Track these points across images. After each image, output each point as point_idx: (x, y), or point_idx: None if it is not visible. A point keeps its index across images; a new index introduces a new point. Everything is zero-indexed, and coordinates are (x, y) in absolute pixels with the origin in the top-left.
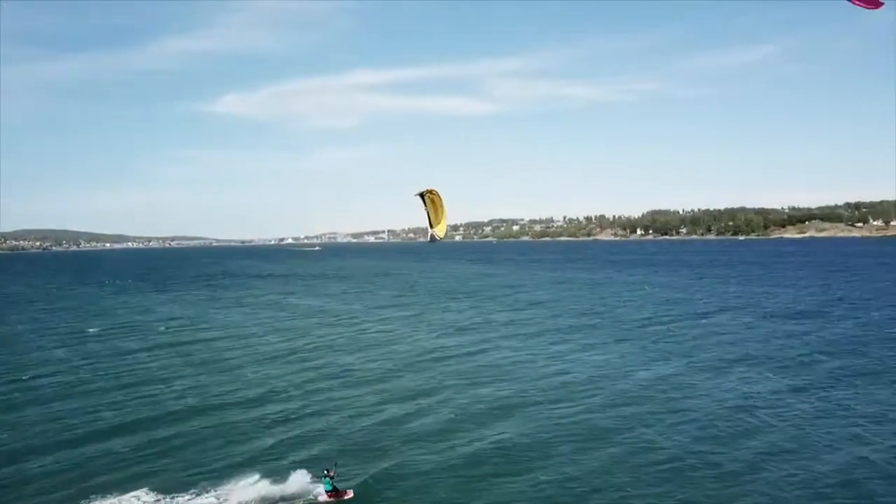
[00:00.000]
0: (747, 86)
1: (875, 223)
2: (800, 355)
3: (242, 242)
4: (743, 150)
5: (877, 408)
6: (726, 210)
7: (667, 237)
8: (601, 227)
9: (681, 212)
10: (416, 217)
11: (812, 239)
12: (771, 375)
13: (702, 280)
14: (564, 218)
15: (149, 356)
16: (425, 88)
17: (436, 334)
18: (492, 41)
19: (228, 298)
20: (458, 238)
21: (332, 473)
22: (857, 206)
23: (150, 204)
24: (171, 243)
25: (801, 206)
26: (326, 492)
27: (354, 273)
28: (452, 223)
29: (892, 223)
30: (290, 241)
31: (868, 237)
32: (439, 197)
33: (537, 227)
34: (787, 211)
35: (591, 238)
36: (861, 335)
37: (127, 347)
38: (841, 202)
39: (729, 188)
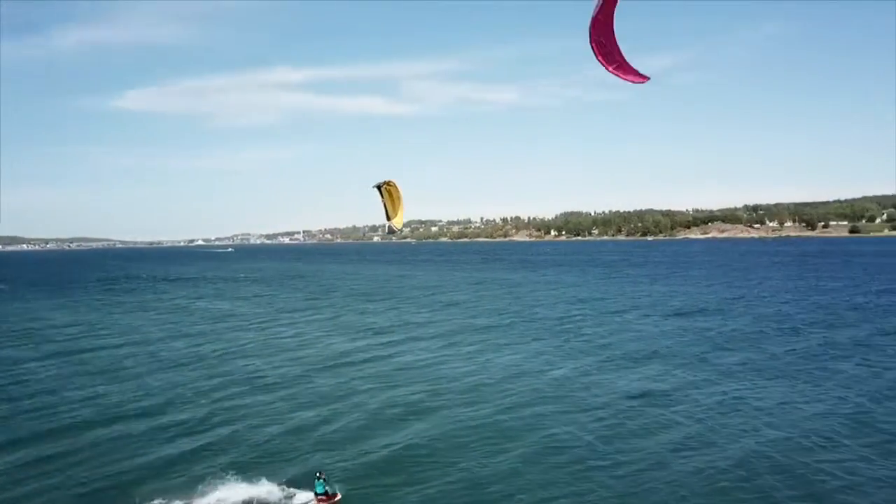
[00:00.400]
0: (655, 92)
1: (771, 224)
2: (703, 352)
3: (150, 244)
4: (650, 153)
5: (772, 401)
6: (635, 212)
7: (579, 238)
8: (517, 228)
9: (592, 213)
10: (332, 217)
11: (714, 239)
12: (677, 372)
13: (613, 279)
14: (482, 219)
15: (41, 366)
16: (343, 88)
17: (351, 337)
18: (410, 42)
19: (132, 303)
20: (376, 239)
21: (324, 476)
22: (755, 208)
23: (48, 204)
24: (72, 245)
25: (704, 208)
26: (317, 495)
27: (268, 275)
28: (371, 224)
29: (786, 224)
30: (200, 242)
31: (765, 238)
32: (396, 188)
33: (455, 229)
34: (691, 213)
35: (507, 239)
36: (758, 331)
37: (16, 357)
38: (740, 204)
39: (638, 191)
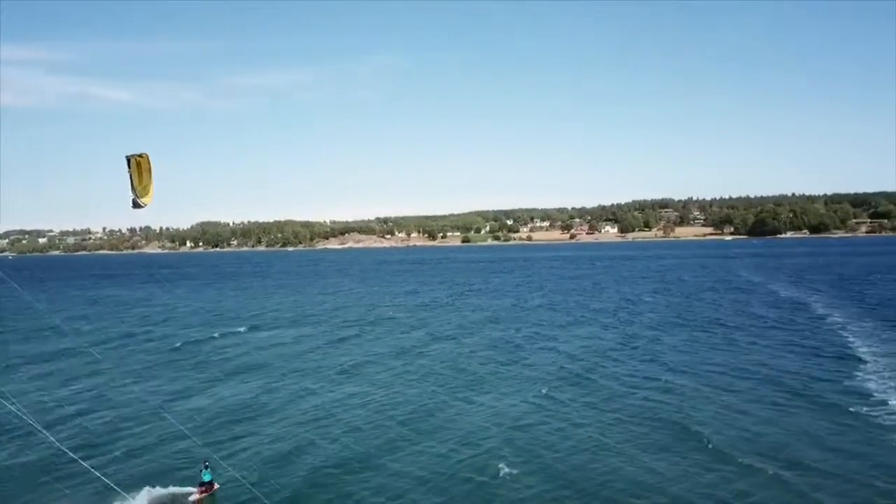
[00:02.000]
0: (280, 105)
1: (400, 235)
2: (303, 359)
3: None
4: (285, 165)
5: (363, 399)
6: (275, 223)
7: (218, 249)
8: (147, 239)
9: (231, 224)
10: None
11: (351, 249)
12: (277, 383)
13: (245, 291)
14: (104, 229)
15: None
16: None
17: None
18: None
19: None
20: None
21: (209, 464)
22: (386, 220)
23: None
24: None
25: (341, 219)
26: (202, 484)
27: None
28: None
29: (412, 235)
30: None
31: (396, 247)
32: (147, 161)
33: (71, 240)
34: (329, 224)
35: (136, 251)
36: (356, 334)
37: None
38: (373, 217)
39: (278, 202)
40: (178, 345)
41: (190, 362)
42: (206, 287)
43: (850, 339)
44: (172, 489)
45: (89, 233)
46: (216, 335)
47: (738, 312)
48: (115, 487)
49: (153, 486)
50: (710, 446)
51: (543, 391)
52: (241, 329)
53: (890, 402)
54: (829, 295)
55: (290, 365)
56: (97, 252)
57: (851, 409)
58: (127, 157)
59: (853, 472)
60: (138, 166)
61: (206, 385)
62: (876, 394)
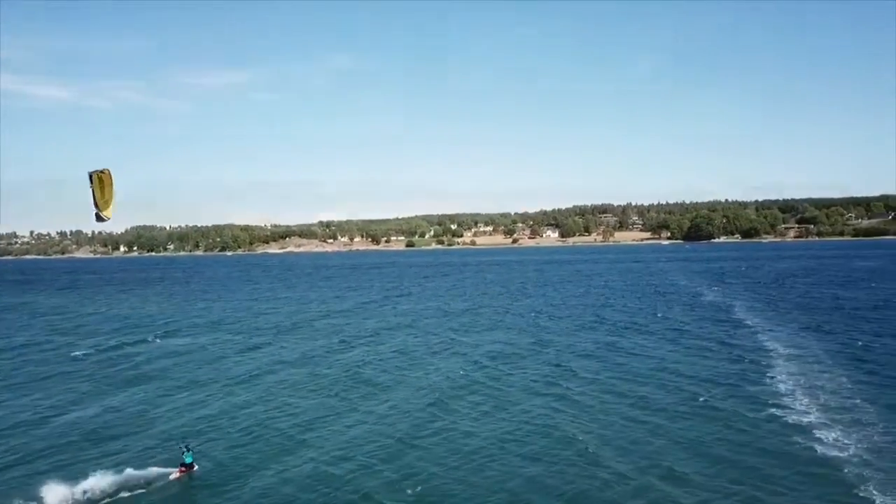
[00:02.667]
0: (226, 106)
1: (343, 239)
2: (209, 369)
3: None
4: (227, 169)
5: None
6: (213, 227)
7: (153, 253)
8: (79, 243)
9: (168, 228)
10: None
11: (291, 253)
12: (166, 394)
13: (167, 298)
14: (32, 233)
15: None
16: None
17: None
18: None
19: None
20: None
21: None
22: (328, 224)
23: None
24: None
25: (282, 223)
26: (183, 465)
27: None
28: None
29: (356, 239)
30: None
31: (339, 251)
32: (109, 177)
33: None
34: (269, 228)
35: (66, 256)
36: (267, 341)
37: None
38: (315, 221)
39: (216, 206)
40: (78, 354)
41: (85, 373)
42: (128, 293)
43: (762, 343)
44: None
45: (15, 237)
46: (124, 343)
47: (655, 316)
48: None
49: None
50: (596, 455)
51: (442, 400)
52: (152, 337)
53: (794, 406)
54: (747, 298)
55: (190, 374)
56: (23, 257)
57: (749, 415)
58: (89, 173)
59: (733, 478)
60: (100, 181)
61: (94, 397)
62: (777, 399)
